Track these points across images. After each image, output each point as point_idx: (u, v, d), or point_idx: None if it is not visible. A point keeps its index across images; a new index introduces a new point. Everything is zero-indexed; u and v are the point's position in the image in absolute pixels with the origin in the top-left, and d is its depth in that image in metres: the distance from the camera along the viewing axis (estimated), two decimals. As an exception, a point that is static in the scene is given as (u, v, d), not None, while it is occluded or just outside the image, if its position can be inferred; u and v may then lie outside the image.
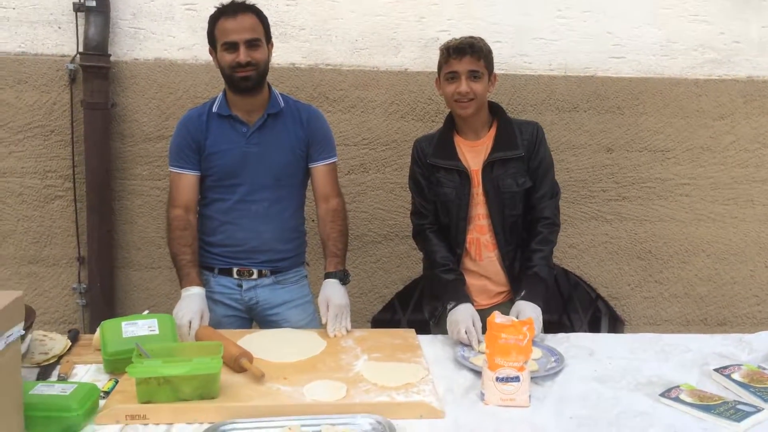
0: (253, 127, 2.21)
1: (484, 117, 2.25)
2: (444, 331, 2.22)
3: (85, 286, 3.24)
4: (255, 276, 2.30)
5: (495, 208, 2.23)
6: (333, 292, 2.18)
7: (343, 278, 2.25)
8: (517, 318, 1.96)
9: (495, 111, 2.30)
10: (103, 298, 3.21)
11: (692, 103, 3.40)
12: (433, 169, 2.26)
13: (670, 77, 3.38)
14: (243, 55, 2.10)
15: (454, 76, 2.16)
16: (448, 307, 2.16)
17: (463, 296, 2.18)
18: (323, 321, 2.14)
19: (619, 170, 3.42)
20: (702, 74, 3.40)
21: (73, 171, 3.15)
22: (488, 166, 2.21)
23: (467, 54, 2.14)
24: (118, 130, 3.17)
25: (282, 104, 2.25)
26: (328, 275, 2.24)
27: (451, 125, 2.29)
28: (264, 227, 2.26)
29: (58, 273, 3.25)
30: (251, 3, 2.19)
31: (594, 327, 3.81)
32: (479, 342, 2.02)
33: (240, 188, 2.23)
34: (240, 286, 2.30)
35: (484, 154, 2.23)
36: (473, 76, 2.15)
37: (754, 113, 3.43)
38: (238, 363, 1.79)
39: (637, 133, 3.40)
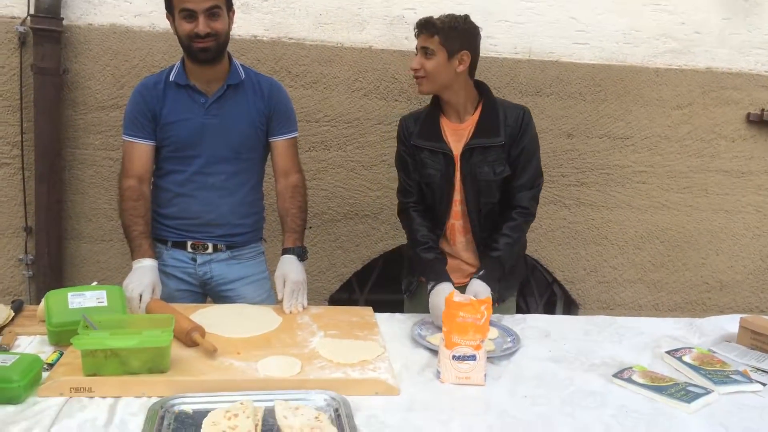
0: (212, 97, 2.13)
1: (465, 97, 2.17)
2: (418, 308, 2.21)
3: (32, 257, 3.13)
4: (210, 250, 2.24)
5: (471, 194, 2.18)
6: (290, 268, 2.14)
7: (301, 254, 2.20)
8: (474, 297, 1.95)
9: (481, 92, 2.21)
10: (51, 270, 3.11)
11: (652, 91, 3.44)
12: (417, 149, 2.21)
13: (631, 65, 3.41)
14: (202, 26, 2.01)
15: (416, 53, 2.13)
16: (428, 287, 2.13)
17: (443, 275, 2.14)
18: (279, 297, 2.10)
19: (578, 156, 3.45)
20: (662, 63, 3.44)
21: (22, 138, 3.03)
22: (467, 152, 2.16)
23: (423, 31, 2.09)
24: (70, 97, 3.05)
25: (242, 75, 2.18)
26: (285, 251, 2.20)
27: (437, 105, 2.22)
28: (221, 201, 2.20)
29: (3, 243, 3.13)
30: None
31: (549, 310, 3.86)
32: None
33: (197, 160, 2.16)
34: (194, 260, 2.24)
35: (465, 139, 2.17)
36: (425, 52, 2.09)
37: (712, 104, 3.50)
38: (190, 337, 1.74)
39: (598, 120, 3.43)
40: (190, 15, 2.01)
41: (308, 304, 2.16)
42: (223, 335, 1.86)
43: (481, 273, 2.13)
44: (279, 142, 2.24)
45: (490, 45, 3.27)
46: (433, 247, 2.21)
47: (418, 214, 2.26)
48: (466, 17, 2.13)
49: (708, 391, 1.70)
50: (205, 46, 2.04)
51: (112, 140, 3.09)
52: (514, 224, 2.20)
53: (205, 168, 2.17)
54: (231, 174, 2.19)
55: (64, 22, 2.95)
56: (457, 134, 2.19)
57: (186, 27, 2.03)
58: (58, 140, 3.04)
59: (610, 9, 3.36)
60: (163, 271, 2.19)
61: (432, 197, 2.23)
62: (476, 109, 2.19)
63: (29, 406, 1.47)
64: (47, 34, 2.91)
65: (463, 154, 2.16)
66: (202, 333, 1.78)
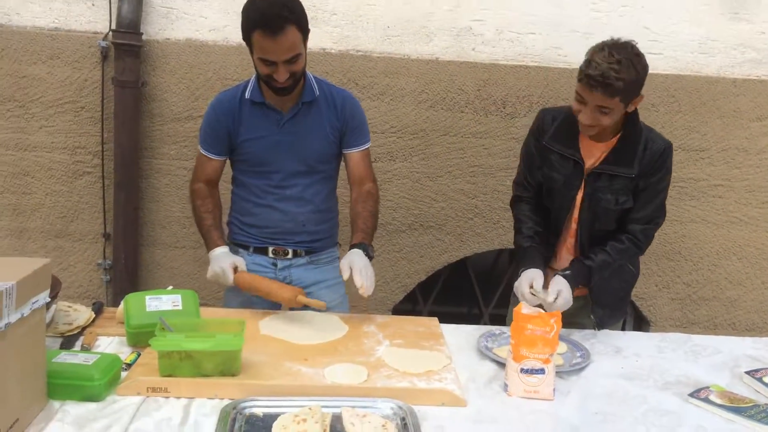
0: (287, 115, 2.15)
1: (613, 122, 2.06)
2: None
3: (109, 262, 3.26)
4: (290, 255, 2.29)
5: (587, 218, 2.14)
6: (355, 258, 2.08)
7: (367, 250, 2.15)
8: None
9: (628, 118, 2.09)
10: (127, 274, 3.23)
11: (729, 102, 3.32)
12: (547, 150, 2.17)
13: (707, 75, 3.30)
14: (282, 75, 1.98)
15: (581, 101, 1.99)
16: (521, 269, 2.12)
17: (534, 262, 2.12)
18: (345, 277, 2.04)
19: (671, 156, 3.35)
20: (741, 74, 3.32)
21: (102, 148, 3.17)
22: (594, 175, 2.10)
23: (599, 90, 1.91)
24: (148, 109, 3.17)
25: (317, 92, 2.18)
26: (352, 246, 2.17)
27: None
28: (298, 210, 2.24)
29: (83, 248, 3.27)
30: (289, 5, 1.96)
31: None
32: (541, 296, 2.02)
33: (273, 175, 2.21)
34: (275, 264, 2.29)
35: (597, 159, 2.11)
36: (601, 111, 1.96)
37: (793, 115, 3.35)
38: (296, 300, 1.96)
39: (672, 131, 3.32)
40: (271, 63, 1.98)
41: (373, 313, 2.16)
42: (292, 341, 1.89)
43: (567, 273, 2.08)
44: (353, 154, 2.26)
45: (559, 56, 3.23)
46: (534, 238, 2.20)
47: (530, 207, 2.26)
48: (641, 57, 1.96)
49: (792, 415, 1.62)
50: (284, 87, 2.04)
51: (186, 150, 3.20)
52: (621, 247, 2.14)
53: (282, 182, 2.21)
54: (306, 186, 2.22)
55: (144, 37, 3.08)
56: (590, 150, 2.13)
57: (265, 70, 2.00)
58: (136, 150, 3.17)
59: (684, 18, 3.27)
60: None
61: (551, 203, 2.20)
62: (618, 132, 2.11)
63: (109, 404, 1.53)
64: (128, 49, 3.05)
65: (589, 176, 2.11)
66: (304, 293, 2.02)
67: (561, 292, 2.01)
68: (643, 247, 2.18)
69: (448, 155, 3.30)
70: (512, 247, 2.37)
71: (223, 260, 2.11)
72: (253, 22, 1.94)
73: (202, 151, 2.25)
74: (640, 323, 3.61)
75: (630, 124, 2.09)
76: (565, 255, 2.23)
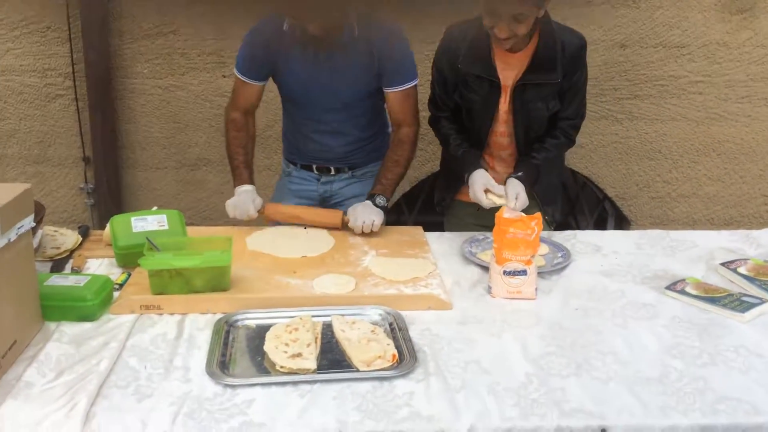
0: (324, 54, 2.11)
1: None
2: (457, 226, 2.26)
3: (92, 186, 3.25)
4: (333, 172, 2.36)
5: (521, 128, 2.14)
6: (362, 209, 2.11)
7: (375, 200, 2.15)
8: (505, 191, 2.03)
9: (541, 21, 2.01)
10: (110, 197, 3.23)
11: (711, -5, 3.26)
12: (462, 73, 2.11)
13: (689, -32, 3.23)
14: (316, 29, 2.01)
15: (494, 13, 1.90)
16: (465, 176, 2.11)
17: (476, 164, 2.12)
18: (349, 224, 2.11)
19: (632, 67, 3.33)
20: (723, -35, 3.24)
21: (73, 69, 3.09)
22: (520, 87, 2.07)
23: None
24: (117, 26, 3.07)
25: (356, 32, 2.09)
26: (367, 197, 2.19)
27: None
28: (335, 142, 2.29)
29: (64, 173, 3.25)
30: None
31: (600, 227, 3.81)
32: (499, 196, 2.03)
33: (308, 108, 2.24)
34: (318, 179, 2.39)
35: (518, 70, 2.07)
36: (516, 20, 1.88)
37: (776, 7, 3.30)
38: (342, 220, 2.10)
39: (652, 28, 3.27)
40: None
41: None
42: (280, 255, 1.92)
43: (519, 174, 2.10)
44: (391, 94, 2.20)
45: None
46: (464, 144, 2.19)
47: (451, 124, 2.23)
48: None
49: (763, 301, 1.69)
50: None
51: (159, 69, 3.13)
52: (557, 142, 2.19)
53: (316, 115, 2.24)
54: (342, 120, 2.24)
55: (106, -51, 2.94)
56: (508, 63, 2.09)
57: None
58: (108, 70, 3.10)
59: None
60: (288, 188, 2.42)
61: (470, 122, 2.19)
62: (531, 36, 2.04)
63: (104, 322, 1.57)
64: (90, -37, 2.92)
65: (515, 89, 2.09)
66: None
67: (519, 194, 2.04)
68: (574, 140, 2.23)
69: (429, 62, 3.23)
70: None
71: (247, 196, 2.16)
72: None
73: (240, 76, 2.22)
74: (621, 222, 3.68)
75: (544, 28, 2.02)
76: (500, 165, 2.24)
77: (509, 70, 2.09)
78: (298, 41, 2.10)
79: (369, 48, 2.12)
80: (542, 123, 2.16)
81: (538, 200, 2.23)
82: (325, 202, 2.42)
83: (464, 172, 2.13)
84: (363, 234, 2.08)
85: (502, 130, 2.18)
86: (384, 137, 2.39)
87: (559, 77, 2.06)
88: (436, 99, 2.24)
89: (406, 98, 2.21)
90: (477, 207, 2.11)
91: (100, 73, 3.07)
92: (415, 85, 2.22)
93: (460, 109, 2.21)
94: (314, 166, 2.37)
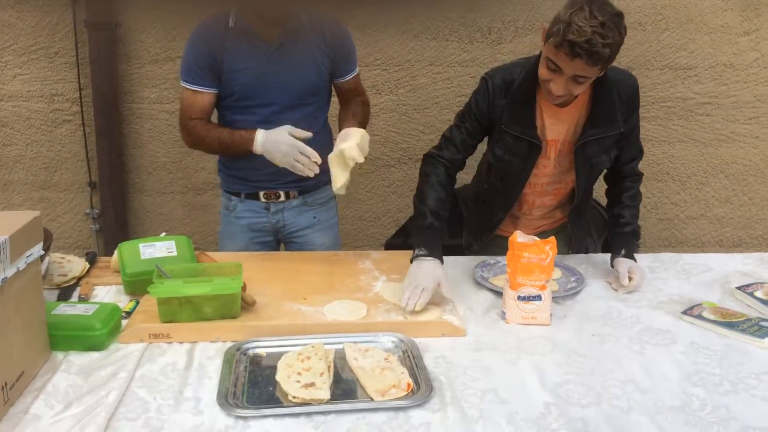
0: (275, 44, 2.04)
1: None
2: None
3: (97, 211, 3.23)
4: (282, 198, 2.23)
5: (582, 181, 2.04)
6: (350, 131, 2.02)
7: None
8: (629, 277, 1.92)
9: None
10: (116, 222, 3.21)
11: (717, 17, 3.26)
12: (502, 131, 1.99)
13: (694, -10, 3.24)
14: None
15: (555, 69, 1.77)
16: (416, 252, 1.86)
17: (437, 250, 1.86)
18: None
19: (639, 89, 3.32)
20: (728, -13, 3.25)
21: (80, 94, 3.09)
22: (581, 145, 1.95)
23: (582, 58, 1.69)
24: (124, 51, 3.08)
25: (304, 18, 2.07)
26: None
27: (535, 82, 1.90)
28: None
29: (70, 198, 3.24)
30: None
31: (607, 250, 3.79)
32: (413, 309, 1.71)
33: (261, 109, 2.09)
34: (267, 209, 2.24)
35: (568, 124, 1.96)
36: (577, 80, 1.77)
37: (781, 28, 3.30)
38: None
39: (659, 51, 3.28)
40: None
41: (366, 249, 2.15)
42: (288, 282, 1.90)
43: (622, 252, 2.02)
44: (344, 82, 2.19)
45: (544, -23, 3.15)
46: (441, 216, 1.95)
47: (445, 172, 2.02)
48: (621, 16, 1.72)
49: (783, 327, 1.67)
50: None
51: (167, 93, 3.13)
52: (633, 192, 2.10)
53: (270, 117, 2.08)
54: (296, 121, 2.07)
55: (113, -24, 2.96)
56: (557, 117, 1.96)
57: None
58: (115, 95, 3.09)
59: (670, -69, 3.18)
60: (237, 224, 2.24)
61: (501, 181, 2.08)
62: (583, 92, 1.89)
63: (112, 352, 1.54)
64: (98, -11, 2.94)
65: (577, 149, 1.96)
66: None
67: (630, 270, 1.94)
68: (641, 172, 2.14)
69: (435, 86, 3.25)
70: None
71: (278, 132, 1.98)
72: None
73: (189, 86, 2.06)
74: (630, 245, 3.66)
75: (599, 79, 1.86)
76: (540, 209, 2.16)
77: (559, 125, 1.97)
78: (244, 37, 2.01)
79: (321, 34, 2.08)
80: (603, 170, 2.10)
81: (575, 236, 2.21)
82: (278, 232, 2.29)
83: (420, 245, 1.87)
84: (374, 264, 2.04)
85: (545, 181, 2.07)
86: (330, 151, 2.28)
87: (622, 127, 1.97)
88: (454, 139, 2.05)
89: (357, 83, 2.24)
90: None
91: (107, 99, 3.07)
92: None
93: (461, 165, 2.09)
94: (261, 194, 2.21)
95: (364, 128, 2.11)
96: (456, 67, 3.22)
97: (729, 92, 3.37)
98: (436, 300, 1.76)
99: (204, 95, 2.07)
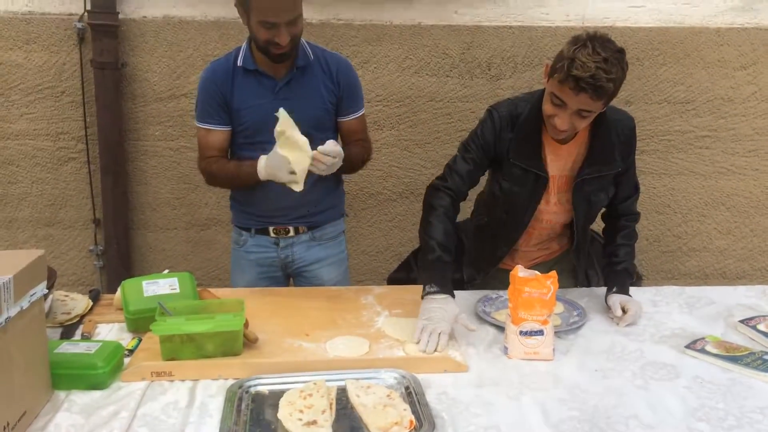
0: (282, 81, 2.08)
1: None
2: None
3: (101, 247, 3.25)
4: (291, 234, 2.25)
5: (580, 218, 2.07)
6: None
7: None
8: (623, 310, 1.93)
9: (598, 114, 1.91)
10: (119, 259, 3.22)
11: (713, 52, 3.31)
12: (509, 164, 2.02)
13: (690, 26, 3.28)
14: (284, 38, 1.92)
15: (559, 104, 1.81)
16: (427, 289, 1.85)
17: (448, 286, 1.86)
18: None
19: (638, 123, 3.30)
20: (724, 23, 3.30)
21: (86, 132, 3.13)
22: (579, 183, 1.99)
23: (586, 93, 1.73)
24: (129, 90, 3.13)
25: (311, 56, 2.12)
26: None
27: (540, 117, 1.95)
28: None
29: (74, 235, 3.26)
30: None
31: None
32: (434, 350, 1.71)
33: (269, 146, 2.07)
34: (277, 244, 2.26)
35: (565, 160, 2.00)
36: (581, 115, 1.81)
37: (778, 62, 3.35)
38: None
39: (657, 85, 3.32)
40: (272, 26, 1.91)
41: (369, 284, 2.15)
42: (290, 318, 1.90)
43: (615, 289, 2.03)
44: (352, 121, 2.21)
45: (542, 14, 3.19)
46: (448, 248, 1.94)
47: (451, 203, 2.02)
48: (623, 52, 1.77)
49: (787, 361, 1.66)
50: (285, 52, 1.98)
51: (171, 131, 3.17)
52: (628, 232, 2.12)
53: None
54: None
55: (120, 16, 3.02)
56: (558, 155, 2.00)
57: (265, 35, 1.93)
58: (120, 133, 3.13)
59: (666, -31, 3.24)
60: (246, 259, 2.27)
61: (506, 213, 2.09)
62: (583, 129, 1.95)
63: (114, 390, 1.53)
64: (104, 29, 2.99)
65: (575, 186, 2.00)
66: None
67: (624, 306, 1.95)
68: (638, 211, 2.17)
69: (436, 121, 3.29)
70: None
71: (274, 153, 1.98)
72: None
73: (203, 126, 2.13)
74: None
75: (597, 118, 1.91)
76: (544, 242, 2.18)
77: (559, 161, 2.01)
78: (252, 74, 2.07)
79: (329, 71, 2.13)
80: (601, 207, 2.12)
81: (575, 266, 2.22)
82: (287, 267, 2.31)
83: (431, 281, 1.85)
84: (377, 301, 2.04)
85: (550, 218, 2.09)
86: (341, 192, 2.35)
87: (620, 166, 2.01)
88: (458, 170, 2.06)
89: (362, 122, 2.25)
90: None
91: (112, 136, 3.10)
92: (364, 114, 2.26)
93: (465, 196, 2.10)
94: (271, 229, 2.24)
95: (357, 168, 2.20)
96: (456, 102, 3.26)
97: (728, 125, 3.40)
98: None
99: (217, 133, 2.13)
